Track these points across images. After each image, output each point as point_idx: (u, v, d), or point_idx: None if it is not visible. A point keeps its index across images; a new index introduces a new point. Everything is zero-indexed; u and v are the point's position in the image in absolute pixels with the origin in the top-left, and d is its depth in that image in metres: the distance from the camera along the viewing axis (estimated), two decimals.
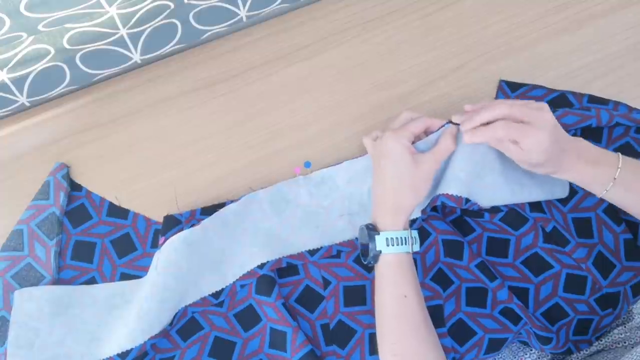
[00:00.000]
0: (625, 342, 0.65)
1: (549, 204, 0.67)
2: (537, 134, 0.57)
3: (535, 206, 0.66)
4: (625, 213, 0.67)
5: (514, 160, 0.60)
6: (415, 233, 0.61)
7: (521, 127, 0.58)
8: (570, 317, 0.65)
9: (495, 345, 0.64)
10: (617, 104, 0.72)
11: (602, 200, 0.66)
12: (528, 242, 0.66)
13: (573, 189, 0.67)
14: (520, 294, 0.65)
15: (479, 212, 0.67)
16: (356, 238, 0.66)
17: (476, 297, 0.65)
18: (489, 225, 0.67)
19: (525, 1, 0.79)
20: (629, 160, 0.60)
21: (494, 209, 0.67)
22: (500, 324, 0.64)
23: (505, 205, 0.66)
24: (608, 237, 0.66)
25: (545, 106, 0.59)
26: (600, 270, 0.65)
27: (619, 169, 0.59)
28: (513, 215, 0.67)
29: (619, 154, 0.61)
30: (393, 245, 0.58)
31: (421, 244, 0.66)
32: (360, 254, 0.61)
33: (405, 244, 0.58)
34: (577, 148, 0.60)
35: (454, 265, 0.65)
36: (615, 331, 0.66)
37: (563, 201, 0.67)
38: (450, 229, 0.66)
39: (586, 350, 0.66)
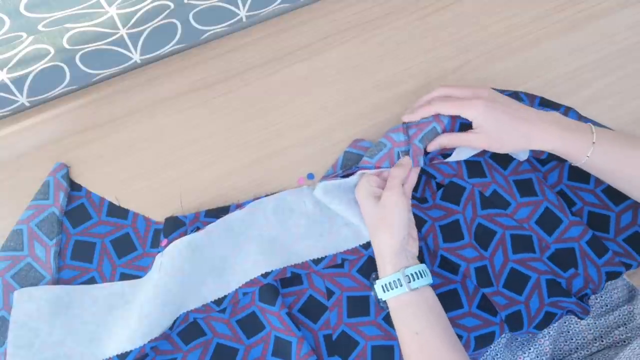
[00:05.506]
0: (625, 342, 0.65)
1: (490, 168, 0.67)
2: (473, 103, 0.61)
3: (475, 171, 0.66)
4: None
5: (474, 147, 0.63)
6: (418, 268, 0.58)
7: (457, 101, 0.63)
8: (534, 278, 0.62)
9: (484, 342, 0.62)
10: (568, 109, 0.71)
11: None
12: (469, 215, 0.66)
13: (510, 156, 0.67)
14: (481, 273, 0.63)
15: (422, 198, 0.67)
16: (360, 245, 0.66)
17: (450, 300, 0.63)
18: (436, 213, 0.66)
19: (525, 1, 0.79)
20: (600, 129, 0.62)
21: (431, 186, 0.68)
22: (481, 319, 0.63)
23: (440, 184, 0.67)
24: (552, 195, 0.65)
25: (484, 88, 0.63)
26: (544, 227, 0.64)
27: (594, 134, 0.60)
28: (452, 188, 0.66)
29: (590, 124, 0.62)
30: (389, 290, 0.58)
31: None
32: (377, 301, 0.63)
33: (401, 285, 0.58)
34: (547, 116, 0.62)
35: None
36: (617, 332, 0.66)
37: (503, 165, 0.68)
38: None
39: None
